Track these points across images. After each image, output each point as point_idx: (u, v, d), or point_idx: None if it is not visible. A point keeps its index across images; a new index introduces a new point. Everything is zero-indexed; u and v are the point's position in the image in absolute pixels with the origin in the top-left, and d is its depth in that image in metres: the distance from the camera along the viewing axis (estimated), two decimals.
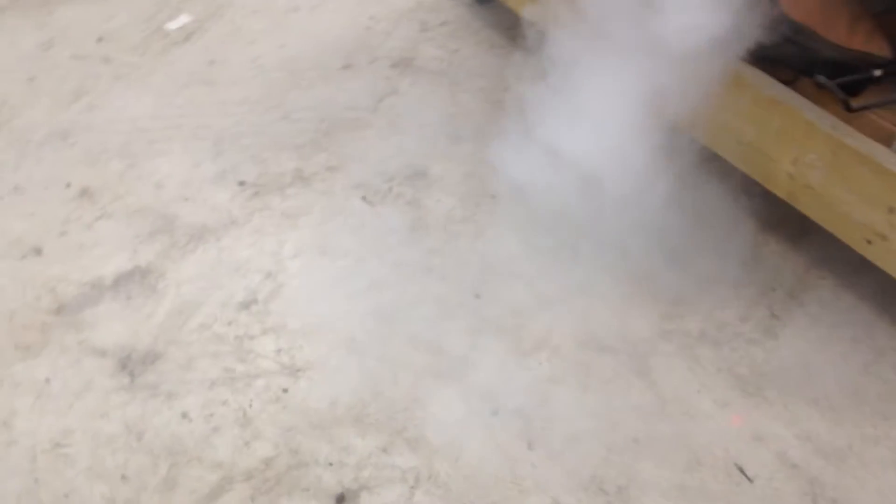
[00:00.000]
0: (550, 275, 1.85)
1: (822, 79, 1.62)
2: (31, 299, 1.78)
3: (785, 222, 1.87)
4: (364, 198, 2.04)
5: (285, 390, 1.64)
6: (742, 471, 1.51)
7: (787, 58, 1.71)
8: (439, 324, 1.77)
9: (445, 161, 2.14)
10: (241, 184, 2.07)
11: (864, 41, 1.67)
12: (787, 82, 1.70)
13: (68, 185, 2.04)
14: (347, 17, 2.65)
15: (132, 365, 1.67)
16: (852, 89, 1.65)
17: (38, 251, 1.88)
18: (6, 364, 1.66)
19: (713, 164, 1.83)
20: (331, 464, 1.53)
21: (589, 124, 1.87)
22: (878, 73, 1.65)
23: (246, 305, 1.80)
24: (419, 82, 2.40)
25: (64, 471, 1.50)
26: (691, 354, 1.71)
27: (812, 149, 1.62)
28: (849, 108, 1.59)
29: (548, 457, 1.55)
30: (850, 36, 1.67)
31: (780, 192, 1.73)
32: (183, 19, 2.60)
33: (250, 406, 1.62)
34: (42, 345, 1.70)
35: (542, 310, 1.79)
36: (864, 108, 1.61)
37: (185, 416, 1.60)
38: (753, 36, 1.61)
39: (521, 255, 1.90)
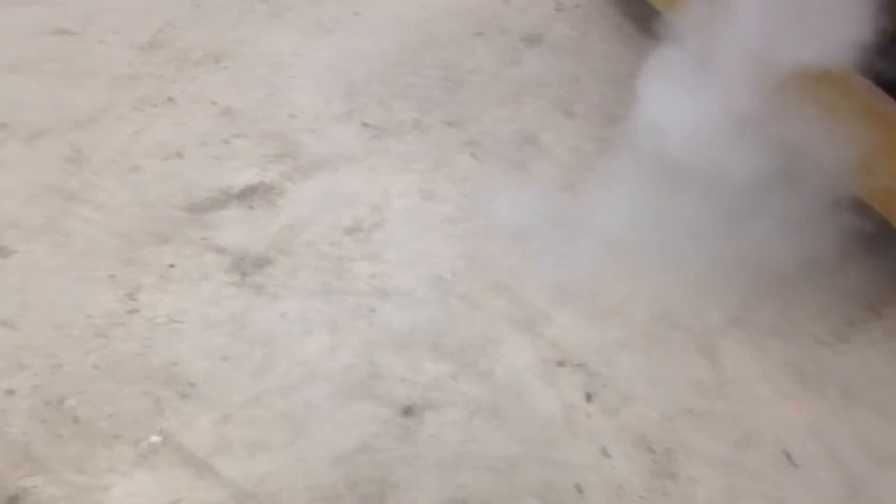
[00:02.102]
0: (637, 250, 1.93)
1: None
2: (168, 195, 2.00)
3: (877, 237, 1.89)
4: (473, 154, 2.18)
5: (373, 310, 1.80)
6: (789, 457, 1.57)
7: None
8: (522, 277, 1.89)
9: (555, 132, 2.25)
10: (365, 125, 2.24)
11: None
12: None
13: (214, 103, 2.26)
14: None
15: (245, 265, 1.87)
16: None
17: (180, 155, 2.11)
18: (138, 245, 1.88)
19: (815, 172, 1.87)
20: (403, 380, 1.68)
21: (703, 122, 1.94)
22: None
23: (350, 231, 1.96)
24: (545, 57, 2.51)
25: (174, 343, 1.70)
26: (760, 344, 1.76)
27: None
28: None
29: (603, 411, 1.65)
30: None
31: (877, 205, 1.76)
32: None
33: (340, 318, 1.78)
34: (171, 235, 1.91)
35: (622, 280, 1.88)
36: None
37: (283, 315, 1.78)
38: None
39: (613, 227, 1.98)
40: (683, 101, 1.90)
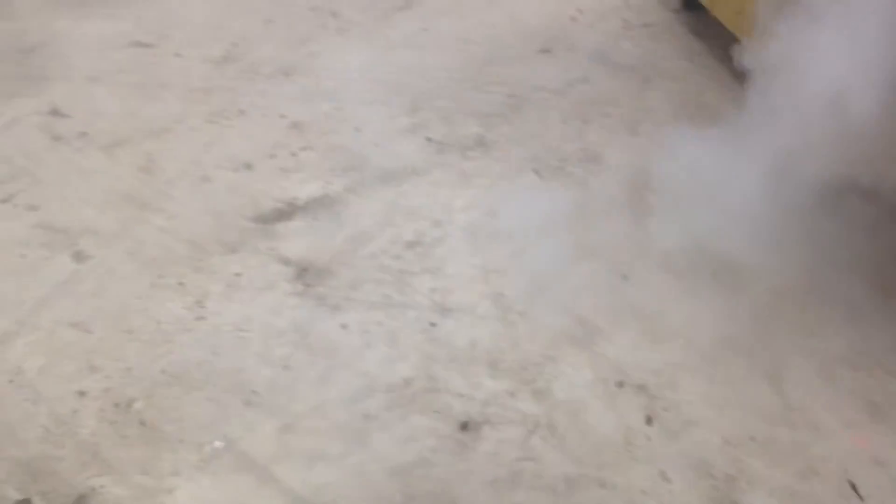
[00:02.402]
0: (700, 272, 1.91)
1: None
2: (237, 205, 2.05)
3: None
4: (536, 171, 2.18)
5: (433, 324, 1.81)
6: (854, 488, 1.52)
7: None
8: (584, 296, 1.88)
9: (620, 151, 2.23)
10: (429, 140, 2.26)
11: None
12: None
13: (283, 116, 2.32)
14: (555, 6, 2.79)
15: (308, 276, 1.90)
16: None
17: (249, 167, 2.16)
18: (208, 254, 1.93)
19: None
20: (461, 395, 1.68)
21: (770, 145, 1.91)
22: None
23: (412, 245, 1.99)
24: (611, 75, 2.50)
25: (239, 350, 1.74)
26: (828, 373, 1.72)
27: None
28: None
29: (663, 434, 1.62)
30: None
31: None
32: None
33: (400, 331, 1.80)
34: (238, 245, 1.96)
35: (685, 302, 1.86)
36: None
37: (344, 327, 1.80)
38: None
39: (676, 249, 1.96)
40: (755, 127, 1.87)
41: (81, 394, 1.63)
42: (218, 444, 1.57)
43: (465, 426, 1.64)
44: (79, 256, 1.90)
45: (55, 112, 2.27)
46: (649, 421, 1.65)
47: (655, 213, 2.04)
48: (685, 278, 1.91)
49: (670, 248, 1.96)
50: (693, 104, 2.37)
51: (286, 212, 2.05)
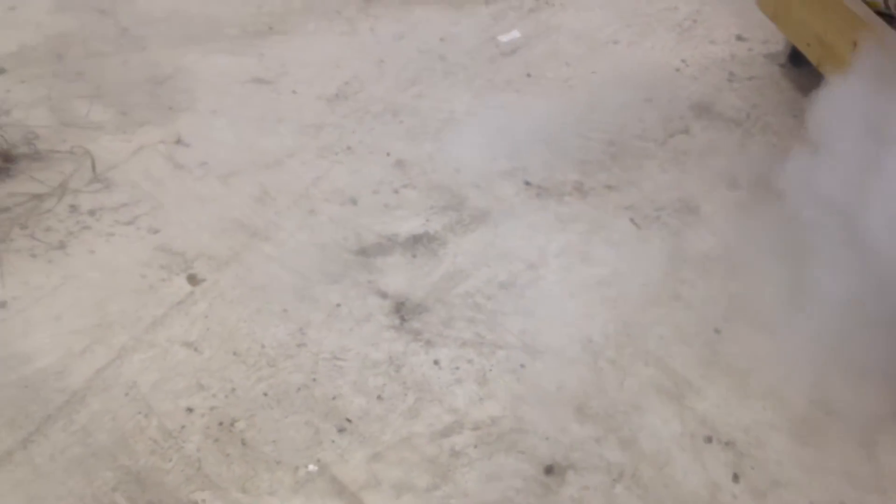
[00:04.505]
0: (796, 331, 1.89)
1: None
2: (341, 238, 2.15)
3: None
4: (632, 219, 2.20)
5: (522, 365, 1.86)
6: None
7: None
8: (674, 346, 1.89)
9: (718, 203, 2.23)
10: (527, 183, 2.32)
11: None
12: None
13: (388, 154, 2.41)
14: (661, 56, 2.81)
15: (404, 311, 1.97)
16: None
17: (354, 201, 2.26)
18: (311, 283, 2.03)
19: None
20: (547, 438, 1.72)
21: (867, 208, 1.88)
22: None
23: (505, 286, 2.04)
24: (712, 127, 2.50)
25: (336, 378, 1.83)
26: None
27: None
28: None
29: (750, 492, 1.62)
30: None
31: None
32: (514, 34, 2.92)
33: (490, 370, 1.85)
34: (340, 276, 2.05)
35: (779, 361, 1.84)
36: None
37: (436, 362, 1.86)
38: None
39: (772, 306, 1.95)
40: (860, 185, 1.85)
41: (189, 410, 1.74)
42: (312, 467, 1.65)
43: (549, 469, 1.67)
44: (193, 279, 2.03)
45: (179, 141, 2.44)
46: (736, 479, 1.65)
47: (751, 268, 2.04)
48: (779, 336, 1.89)
49: (766, 305, 1.95)
50: (794, 160, 2.34)
51: (386, 246, 2.13)
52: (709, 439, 1.71)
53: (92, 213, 2.20)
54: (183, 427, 1.72)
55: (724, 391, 1.80)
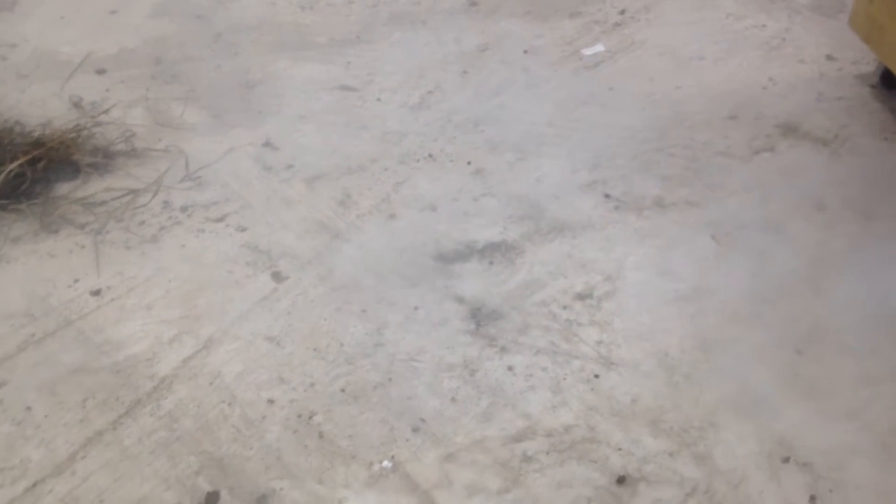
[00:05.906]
0: (883, 354, 1.84)
1: None
2: (420, 244, 2.19)
3: None
4: (713, 236, 2.18)
5: (597, 376, 1.86)
6: None
7: None
8: (753, 365, 1.86)
9: (803, 223, 2.19)
10: (607, 196, 2.32)
11: None
12: None
13: (469, 163, 2.45)
14: (748, 74, 2.78)
15: (480, 316, 2.00)
16: None
17: (433, 208, 2.30)
18: (390, 287, 2.07)
19: None
20: (620, 449, 1.71)
21: None
22: None
23: (582, 297, 2.04)
24: (799, 146, 2.46)
25: (411, 379, 1.86)
26: None
27: None
28: None
29: None
30: None
31: None
32: (598, 48, 2.93)
33: (564, 379, 1.85)
34: (418, 280, 2.09)
35: (863, 385, 1.80)
36: None
37: (510, 368, 1.88)
38: None
39: (858, 329, 1.91)
40: None
41: (271, 402, 1.80)
42: (386, 463, 1.68)
43: (621, 480, 1.67)
44: (277, 277, 2.09)
45: (268, 144, 2.52)
46: (813, 500, 1.61)
47: (836, 291, 2.00)
48: (864, 360, 1.85)
49: (850, 329, 1.90)
50: (885, 184, 2.30)
51: (464, 253, 2.16)
52: (786, 459, 1.68)
53: (184, 209, 2.30)
54: (264, 417, 1.77)
55: (803, 412, 1.76)
